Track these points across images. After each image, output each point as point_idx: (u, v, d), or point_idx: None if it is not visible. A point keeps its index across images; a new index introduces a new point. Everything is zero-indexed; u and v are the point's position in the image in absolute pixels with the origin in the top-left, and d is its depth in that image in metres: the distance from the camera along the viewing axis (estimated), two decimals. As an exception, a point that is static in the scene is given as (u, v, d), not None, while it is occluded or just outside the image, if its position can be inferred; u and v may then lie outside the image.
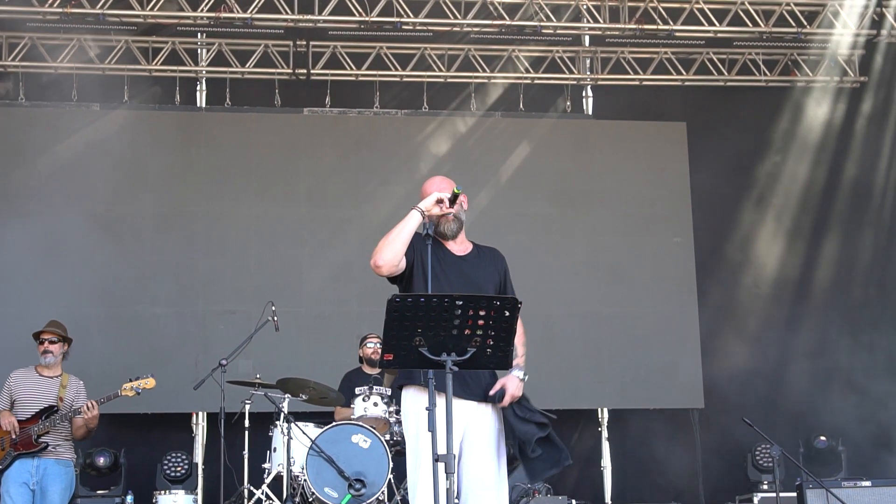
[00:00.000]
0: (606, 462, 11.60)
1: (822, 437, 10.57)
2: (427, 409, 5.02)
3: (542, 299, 10.96)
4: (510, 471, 8.86)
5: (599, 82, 12.25)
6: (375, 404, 8.86)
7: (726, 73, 12.17)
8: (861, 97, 12.07)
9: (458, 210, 5.70)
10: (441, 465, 4.92)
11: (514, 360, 5.48)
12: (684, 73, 12.15)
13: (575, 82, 12.27)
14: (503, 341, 5.04)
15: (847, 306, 11.74)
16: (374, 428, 8.56)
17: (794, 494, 8.99)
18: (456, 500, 5.59)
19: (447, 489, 4.91)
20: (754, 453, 10.51)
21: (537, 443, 5.56)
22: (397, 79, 11.92)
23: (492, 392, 5.48)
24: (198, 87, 11.93)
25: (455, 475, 5.09)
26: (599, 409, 11.72)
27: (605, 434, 11.66)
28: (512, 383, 5.53)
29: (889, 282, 11.67)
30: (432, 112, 11.92)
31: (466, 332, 4.95)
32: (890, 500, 8.63)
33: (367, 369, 9.51)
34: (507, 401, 5.51)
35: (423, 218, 5.52)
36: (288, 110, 11.81)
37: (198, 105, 11.92)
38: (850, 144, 11.87)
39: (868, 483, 8.80)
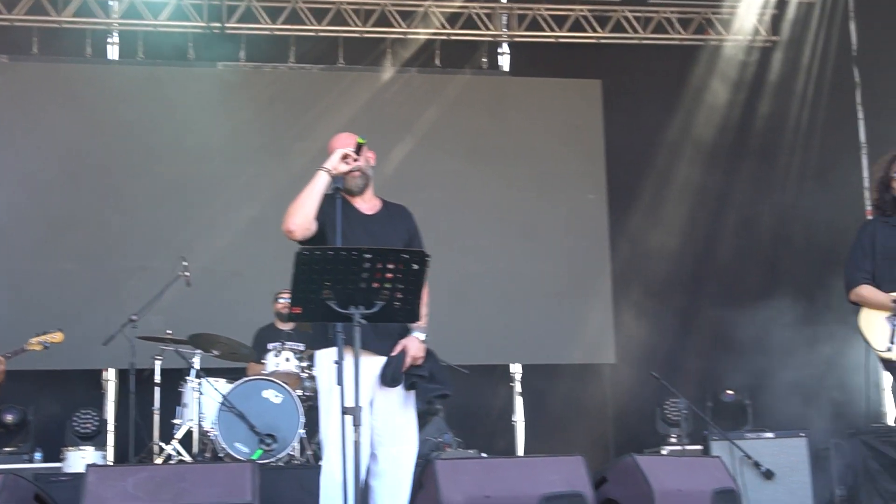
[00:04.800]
0: (519, 416, 11.71)
1: (730, 392, 10.75)
2: (335, 362, 5.03)
3: (455, 256, 11.01)
4: (422, 425, 8.93)
5: (516, 39, 12.27)
6: (287, 360, 8.87)
7: (641, 32, 12.26)
8: (772, 56, 12.23)
9: (365, 165, 5.70)
10: (349, 418, 4.94)
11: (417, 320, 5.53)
12: (600, 30, 12.21)
13: (491, 39, 12.27)
14: (411, 294, 5.06)
15: (754, 262, 11.94)
16: (286, 383, 8.56)
17: (701, 447, 9.19)
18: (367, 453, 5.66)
19: (355, 441, 4.93)
20: (663, 407, 10.64)
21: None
22: (313, 33, 11.82)
23: (392, 353, 5.51)
24: (109, 40, 11.73)
25: (364, 428, 5.12)
26: (512, 365, 11.80)
27: (517, 389, 11.77)
28: (413, 344, 5.57)
29: (795, 238, 11.86)
30: (348, 67, 11.85)
31: (375, 285, 4.96)
32: (790, 450, 8.86)
33: (281, 325, 9.50)
34: (408, 362, 5.56)
35: (331, 177, 5.51)
36: (201, 64, 11.66)
37: (109, 58, 11.72)
38: (759, 103, 12.03)
39: (771, 434, 9.02)
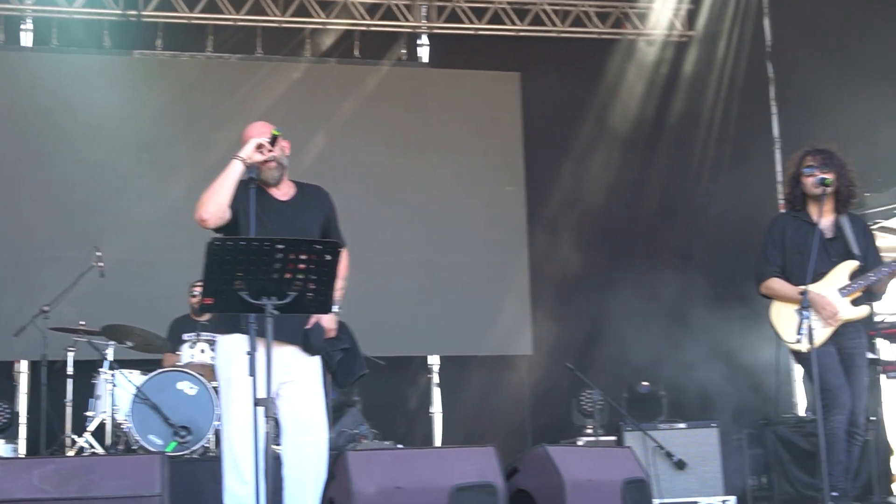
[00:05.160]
0: (437, 408, 11.73)
1: (645, 383, 10.83)
2: (248, 353, 5.01)
3: (374, 247, 10.99)
4: (338, 417, 8.94)
5: (435, 30, 12.27)
6: (203, 351, 8.80)
7: (560, 25, 12.33)
8: (687, 51, 12.38)
9: (280, 155, 5.68)
10: (261, 410, 4.92)
11: None
12: (519, 23, 12.26)
13: (410, 30, 12.26)
14: (324, 285, 5.05)
15: (669, 256, 12.05)
16: (202, 375, 8.49)
17: (615, 437, 9.28)
18: (275, 445, 5.65)
19: (266, 433, 4.92)
20: (579, 398, 10.71)
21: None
22: (231, 22, 11.71)
23: (307, 326, 5.50)
24: (22, 27, 11.52)
25: (274, 419, 5.12)
26: (430, 356, 11.82)
27: (435, 380, 11.79)
28: (326, 316, 5.57)
29: (709, 231, 12.00)
30: (266, 57, 11.76)
31: (287, 275, 4.95)
32: (702, 440, 8.99)
33: (196, 316, 9.43)
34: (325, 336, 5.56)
35: (245, 167, 5.48)
36: (117, 52, 11.51)
37: (23, 45, 11.52)
38: (675, 97, 12.16)
39: (683, 425, 9.14)
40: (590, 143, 11.92)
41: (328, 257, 5.00)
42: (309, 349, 5.52)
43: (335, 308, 5.57)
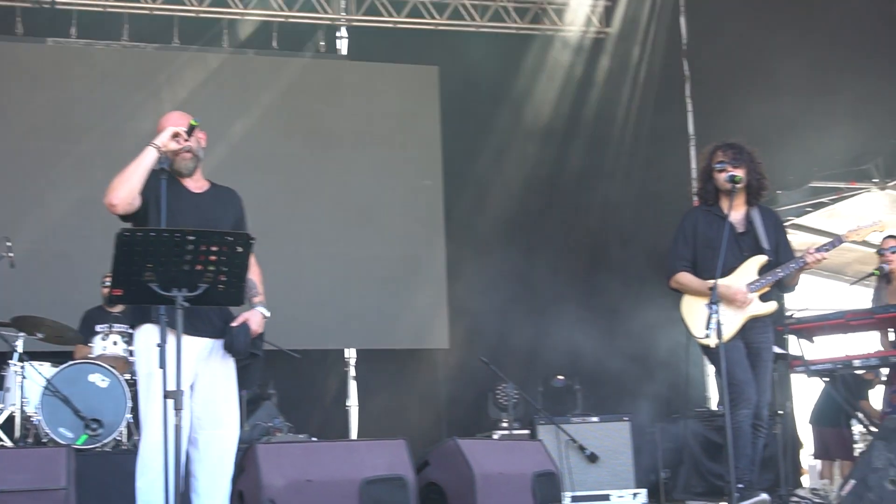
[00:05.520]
0: (353, 401, 11.71)
1: (560, 377, 10.88)
2: (158, 345, 4.97)
3: (290, 240, 10.96)
4: (252, 410, 8.89)
5: (354, 23, 12.24)
6: (115, 343, 8.70)
7: (478, 19, 12.36)
8: (604, 47, 12.48)
9: (196, 146, 5.64)
10: (171, 402, 4.89)
11: (257, 297, 5.53)
12: (438, 17, 12.27)
13: (329, 22, 12.21)
14: (236, 277, 5.04)
15: (584, 249, 12.17)
16: (114, 367, 8.39)
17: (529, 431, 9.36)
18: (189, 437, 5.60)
19: (176, 425, 4.89)
20: (495, 392, 10.75)
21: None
22: (147, 11, 11.57)
23: (234, 324, 5.47)
24: (-70, 13, 11.32)
25: (186, 412, 5.08)
26: (347, 350, 11.79)
27: (351, 373, 11.76)
28: (255, 318, 5.55)
29: (625, 226, 12.12)
30: (182, 47, 11.64)
31: (198, 267, 4.93)
32: (614, 434, 9.10)
33: (109, 307, 9.32)
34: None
35: (159, 154, 5.44)
36: (30, 40, 11.32)
37: (-69, 32, 11.32)
38: (591, 93, 12.26)
39: (596, 419, 9.23)
40: (507, 137, 11.97)
41: (239, 249, 4.99)
42: (231, 350, 5.48)
43: (265, 311, 5.56)
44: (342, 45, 12.37)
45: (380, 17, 12.18)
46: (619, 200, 12.14)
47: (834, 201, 13.89)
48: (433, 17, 12.25)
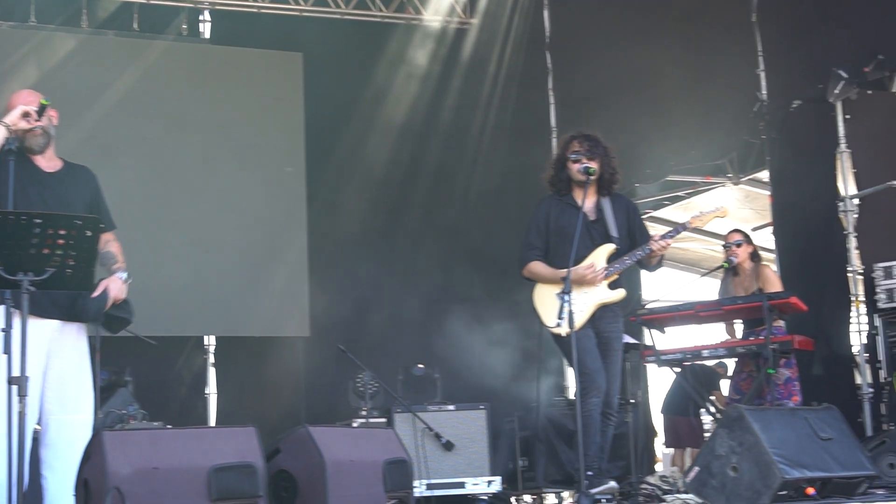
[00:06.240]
0: (212, 389, 11.60)
1: (420, 365, 10.93)
2: (2, 330, 4.89)
3: (150, 224, 10.77)
4: (107, 397, 8.74)
5: (217, 7, 12.08)
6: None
7: (343, 7, 12.31)
8: (468, 38, 12.54)
9: (47, 124, 5.57)
10: (14, 388, 4.82)
11: (116, 264, 5.50)
12: (302, 3, 12.19)
13: (192, 5, 12.01)
14: (84, 262, 4.97)
15: (444, 240, 12.24)
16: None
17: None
18: (37, 425, 5.52)
19: (20, 412, 4.81)
20: (355, 380, 10.75)
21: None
22: (1, -12, 11.28)
23: (94, 295, 5.41)
24: None
25: (34, 398, 5.01)
26: (206, 337, 11.68)
27: (210, 360, 11.64)
28: (115, 285, 5.52)
29: (486, 216, 12.22)
30: (39, 26, 11.33)
31: (45, 251, 4.85)
32: (469, 422, 9.21)
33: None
34: (109, 303, 5.52)
35: (9, 133, 5.35)
36: None
37: None
38: (453, 83, 12.31)
39: (452, 407, 9.32)
40: (369, 125, 11.95)
41: (88, 233, 4.92)
42: (85, 316, 5.43)
43: (124, 276, 5.53)
44: (205, 29, 12.18)
45: (244, 2, 12.03)
46: (481, 191, 12.25)
47: (690, 195, 14.26)
48: (298, 3, 12.16)
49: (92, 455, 4.88)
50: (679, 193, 14.40)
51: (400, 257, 11.86)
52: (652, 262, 7.33)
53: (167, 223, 11.19)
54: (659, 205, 14.70)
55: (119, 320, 5.71)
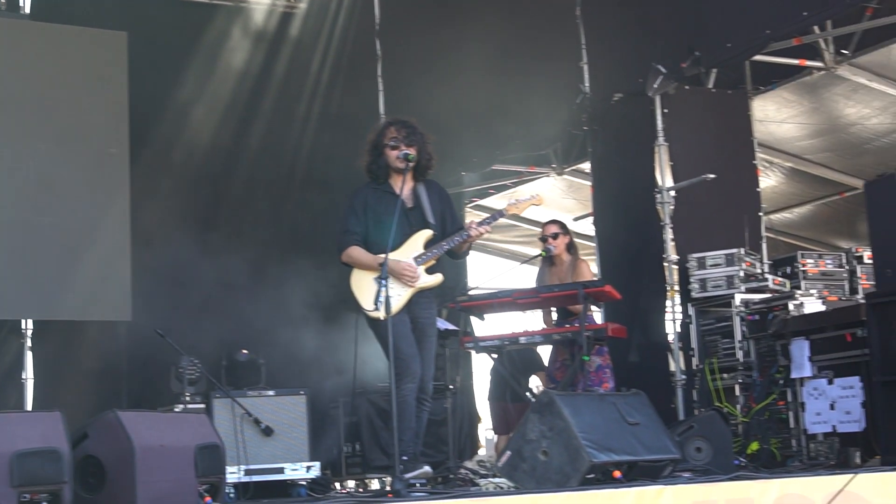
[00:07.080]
0: (29, 374, 11.32)
1: (244, 351, 10.88)
2: None
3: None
4: None
5: (22, -18, 11.77)
6: None
7: (172, -13, 12.15)
8: (294, 22, 12.48)
9: None
10: None
11: None
12: (123, -17, 11.97)
13: (12, -21, 11.71)
14: None
15: (273, 224, 12.22)
16: None
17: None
18: None
19: None
20: (178, 365, 10.63)
21: None
22: None
23: None
24: None
25: None
26: (23, 320, 11.39)
27: (28, 344, 11.36)
28: None
29: (313, 202, 12.22)
30: None
31: None
32: (290, 408, 9.27)
33: None
34: None
35: None
36: None
37: None
38: (278, 66, 12.26)
39: (272, 392, 9.33)
40: (193, 107, 11.78)
41: None
42: None
43: None
44: (25, 4, 11.80)
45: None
46: (307, 176, 12.24)
47: (515, 184, 14.53)
48: (119, -17, 11.92)
49: None
50: (505, 182, 14.65)
51: (226, 242, 11.75)
52: (462, 248, 7.44)
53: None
54: (484, 193, 14.93)
55: None
